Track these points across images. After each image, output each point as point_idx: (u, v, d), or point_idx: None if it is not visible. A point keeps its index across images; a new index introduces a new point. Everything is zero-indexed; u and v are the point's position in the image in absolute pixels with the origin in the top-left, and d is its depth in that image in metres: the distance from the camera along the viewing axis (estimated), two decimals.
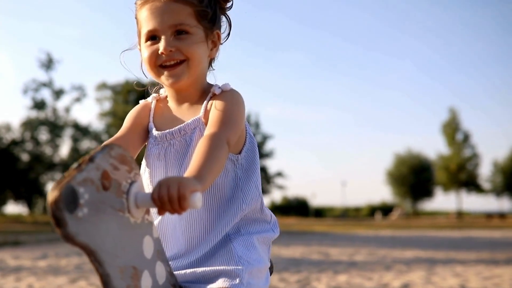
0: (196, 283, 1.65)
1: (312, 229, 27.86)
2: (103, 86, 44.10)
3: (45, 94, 38.30)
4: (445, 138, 56.48)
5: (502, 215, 56.71)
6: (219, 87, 1.79)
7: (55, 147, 38.50)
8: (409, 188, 64.11)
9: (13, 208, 42.34)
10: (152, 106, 1.89)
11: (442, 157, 57.45)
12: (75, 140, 39.03)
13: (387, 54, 76.68)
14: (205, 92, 1.82)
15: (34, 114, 38.22)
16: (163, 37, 1.72)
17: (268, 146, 50.19)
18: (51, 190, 1.12)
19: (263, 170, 47.56)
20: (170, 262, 1.69)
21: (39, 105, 37.64)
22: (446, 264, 9.56)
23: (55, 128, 37.81)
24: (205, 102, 1.77)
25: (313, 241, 17.32)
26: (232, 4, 1.87)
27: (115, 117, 41.55)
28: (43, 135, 38.50)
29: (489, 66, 74.18)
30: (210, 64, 1.89)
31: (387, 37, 75.28)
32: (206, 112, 1.75)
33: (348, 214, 68.53)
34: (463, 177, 55.89)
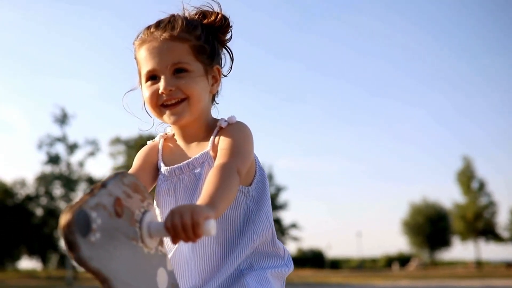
0: None
1: (329, 281, 27.45)
2: (116, 140, 44.47)
3: (60, 149, 38.69)
4: (460, 187, 55.95)
5: None
6: (225, 120, 1.79)
7: (69, 201, 38.59)
8: (426, 238, 63.31)
9: (27, 263, 42.24)
10: (160, 145, 1.89)
11: (458, 205, 56.80)
12: None
13: (400, 103, 77.02)
14: (211, 127, 1.81)
15: (48, 169, 38.55)
16: (162, 77, 1.72)
17: (282, 197, 49.99)
18: (63, 214, 1.10)
19: (277, 222, 47.26)
20: None
21: (54, 159, 37.97)
22: None
23: (69, 182, 38.02)
24: (212, 137, 1.77)
25: None
26: (231, 36, 1.87)
27: None
28: (57, 189, 38.72)
29: (502, 114, 74.15)
30: (213, 99, 1.89)
31: (400, 86, 75.76)
32: (214, 146, 1.74)
33: (365, 265, 67.63)
34: (481, 226, 55.09)
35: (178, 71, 1.71)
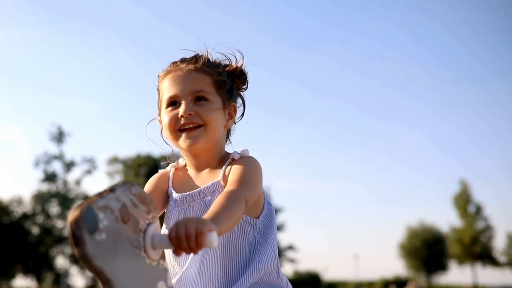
0: None
1: None
2: (114, 160, 44.46)
3: (56, 167, 38.68)
4: (457, 211, 55.88)
5: None
6: (238, 153, 1.85)
7: (66, 220, 38.42)
8: (423, 262, 62.95)
9: (21, 281, 41.92)
10: (171, 173, 1.94)
11: (455, 229, 56.68)
12: None
13: (399, 125, 77.13)
14: (224, 159, 1.86)
15: (45, 186, 38.42)
16: (183, 102, 1.80)
17: (279, 219, 49.86)
18: (72, 210, 1.14)
19: None
20: None
21: (50, 177, 37.92)
22: None
23: (66, 200, 37.90)
24: (223, 167, 1.82)
25: None
26: (247, 87, 1.98)
27: None
28: (54, 207, 38.56)
29: (499, 138, 74.28)
30: (227, 136, 1.96)
31: (399, 108, 75.98)
32: (225, 177, 1.79)
33: None
34: (478, 250, 54.93)
35: (199, 99, 1.80)
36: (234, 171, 1.75)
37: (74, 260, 37.88)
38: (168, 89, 1.83)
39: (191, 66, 1.83)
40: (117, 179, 43.93)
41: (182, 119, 1.79)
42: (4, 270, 38.45)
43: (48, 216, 38.45)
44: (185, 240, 1.28)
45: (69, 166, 38.36)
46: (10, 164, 55.06)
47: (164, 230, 1.84)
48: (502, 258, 58.60)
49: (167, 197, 1.88)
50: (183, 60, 1.86)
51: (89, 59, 58.27)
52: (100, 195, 1.19)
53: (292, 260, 51.63)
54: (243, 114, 1.99)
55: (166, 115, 1.83)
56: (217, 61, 1.91)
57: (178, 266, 1.79)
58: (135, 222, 1.28)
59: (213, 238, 1.31)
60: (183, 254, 1.32)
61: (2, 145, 54.53)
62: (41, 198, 38.11)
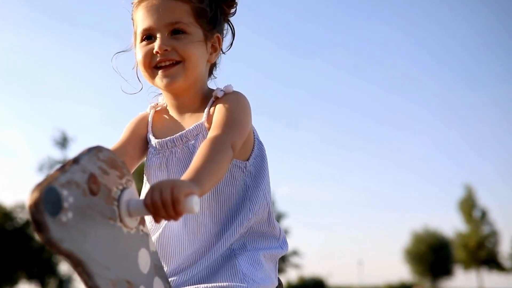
0: None
1: None
2: None
3: None
4: (462, 216, 55.60)
5: None
6: (222, 90, 1.69)
7: None
8: (428, 267, 62.65)
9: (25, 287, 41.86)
10: (150, 116, 1.78)
11: (460, 234, 56.39)
12: None
13: (402, 131, 76.94)
14: (207, 98, 1.70)
15: None
16: (158, 36, 1.62)
17: (283, 224, 49.69)
18: (31, 192, 1.01)
19: None
20: (170, 279, 1.56)
21: None
22: None
23: None
24: (207, 107, 1.66)
25: None
26: (235, 10, 1.78)
27: None
28: None
29: (504, 144, 74.06)
30: (211, 70, 1.79)
31: (402, 114, 75.78)
32: (209, 117, 1.63)
33: None
34: (483, 255, 54.60)
35: (176, 32, 1.62)
36: (217, 112, 1.59)
37: None
38: (141, 21, 1.64)
39: None
40: None
41: (158, 55, 1.61)
42: (8, 276, 38.38)
43: None
44: (162, 207, 1.17)
45: None
46: (13, 170, 55.06)
47: (145, 182, 1.70)
48: (507, 263, 58.24)
49: (146, 143, 1.72)
50: None
51: (91, 65, 58.41)
52: (63, 169, 1.06)
53: (296, 266, 51.41)
54: (231, 43, 1.80)
55: (140, 50, 1.65)
56: None
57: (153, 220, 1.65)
58: (107, 191, 1.16)
59: (193, 203, 1.19)
60: None
61: (5, 150, 54.57)
62: None
